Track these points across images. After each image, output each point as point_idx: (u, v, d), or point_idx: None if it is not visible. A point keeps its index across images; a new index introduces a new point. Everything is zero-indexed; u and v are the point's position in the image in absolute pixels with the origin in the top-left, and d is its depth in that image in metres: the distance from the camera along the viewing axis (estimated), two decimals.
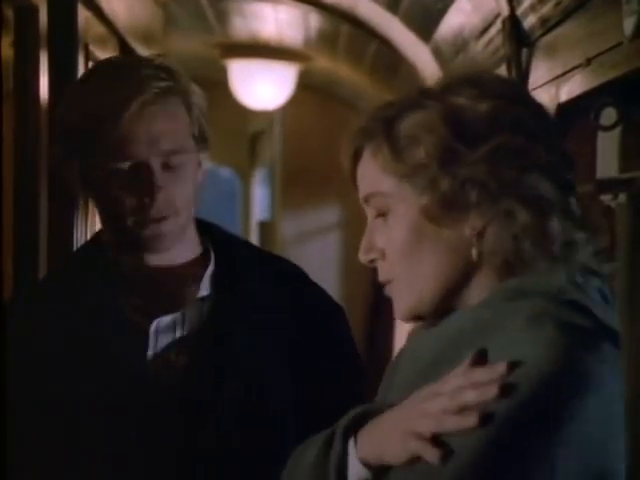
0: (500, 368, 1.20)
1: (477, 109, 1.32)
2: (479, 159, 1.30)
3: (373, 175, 1.38)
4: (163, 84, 1.73)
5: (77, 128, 1.75)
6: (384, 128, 1.36)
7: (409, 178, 1.34)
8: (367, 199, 1.40)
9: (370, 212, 1.41)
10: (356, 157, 1.41)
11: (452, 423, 1.21)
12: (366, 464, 1.30)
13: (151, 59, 1.80)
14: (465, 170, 1.30)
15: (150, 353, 1.78)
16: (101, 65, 1.95)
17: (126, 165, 1.72)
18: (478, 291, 1.34)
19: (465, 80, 1.37)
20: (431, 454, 1.22)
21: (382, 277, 1.40)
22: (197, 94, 1.79)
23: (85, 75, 1.90)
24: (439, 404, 1.23)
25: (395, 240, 1.36)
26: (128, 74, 1.74)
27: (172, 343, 1.79)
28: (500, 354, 1.23)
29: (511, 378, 1.20)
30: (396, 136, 1.35)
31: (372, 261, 1.41)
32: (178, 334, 1.79)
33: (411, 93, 1.39)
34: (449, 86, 1.37)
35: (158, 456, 1.75)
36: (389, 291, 1.40)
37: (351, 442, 1.32)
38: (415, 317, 1.39)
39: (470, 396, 1.21)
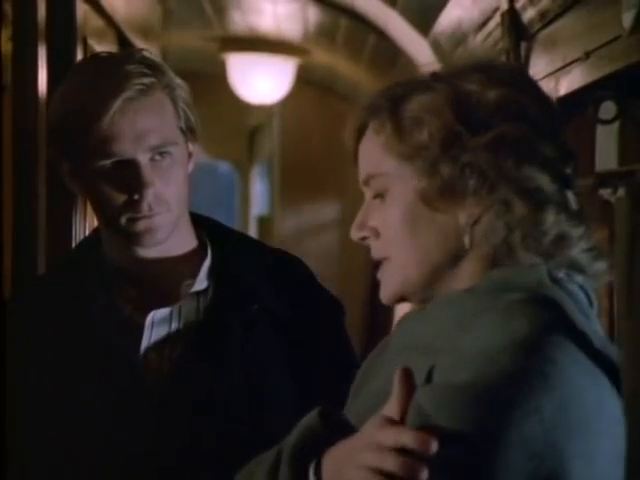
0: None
1: (484, 96, 1.32)
2: (481, 146, 1.30)
3: (374, 154, 1.38)
4: (146, 80, 1.73)
5: (62, 129, 1.75)
6: (390, 106, 1.35)
7: (410, 160, 1.33)
8: (367, 180, 1.40)
9: (368, 193, 1.40)
10: (360, 134, 1.40)
11: (392, 462, 1.14)
12: None
13: (133, 54, 1.78)
14: (466, 156, 1.30)
15: (144, 345, 1.78)
16: (83, 64, 1.94)
17: (113, 163, 1.72)
18: (463, 278, 1.33)
19: (475, 66, 1.36)
20: None
21: (375, 255, 1.39)
22: (181, 87, 1.79)
23: (68, 75, 1.88)
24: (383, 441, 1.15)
25: (389, 220, 1.36)
26: (110, 72, 1.73)
27: (167, 336, 1.78)
28: (472, 344, 1.23)
29: (474, 370, 1.19)
30: (401, 115, 1.34)
31: (363, 239, 1.40)
32: (174, 327, 1.79)
33: (422, 75, 1.38)
34: (459, 71, 1.36)
35: (152, 449, 1.75)
36: (381, 272, 1.39)
37: (311, 469, 1.25)
38: (398, 299, 1.39)
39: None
